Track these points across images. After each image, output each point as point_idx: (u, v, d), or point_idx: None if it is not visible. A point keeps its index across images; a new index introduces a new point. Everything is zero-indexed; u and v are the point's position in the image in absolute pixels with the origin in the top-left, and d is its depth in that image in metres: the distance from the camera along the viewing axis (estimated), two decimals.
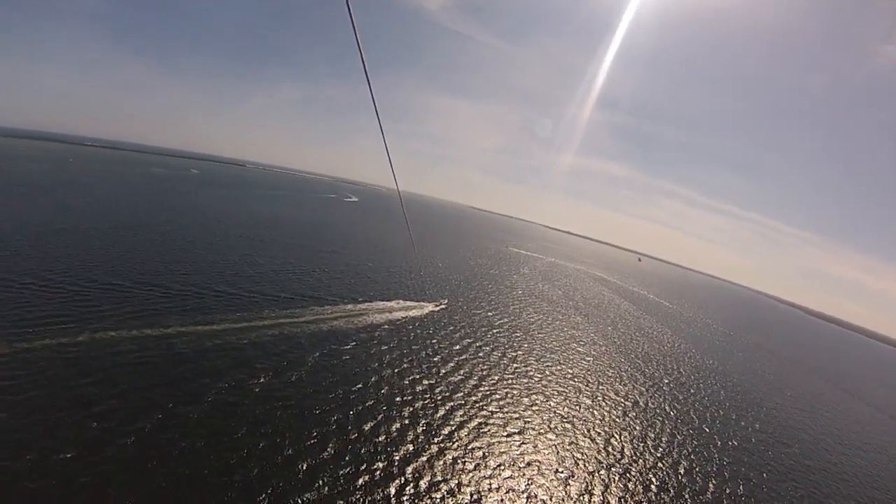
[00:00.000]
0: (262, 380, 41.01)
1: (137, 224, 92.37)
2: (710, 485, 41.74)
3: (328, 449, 33.49)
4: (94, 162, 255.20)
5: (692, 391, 67.58)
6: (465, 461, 35.41)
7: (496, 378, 52.43)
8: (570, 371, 61.47)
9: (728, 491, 41.57)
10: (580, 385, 57.21)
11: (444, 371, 51.26)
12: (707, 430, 53.98)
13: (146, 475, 27.55)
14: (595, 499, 35.18)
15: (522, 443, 40.10)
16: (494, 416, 43.56)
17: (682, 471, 42.58)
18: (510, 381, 52.47)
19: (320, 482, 30.11)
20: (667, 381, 68.58)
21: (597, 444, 43.21)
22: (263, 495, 28.05)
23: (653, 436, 47.84)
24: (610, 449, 42.91)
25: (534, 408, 47.44)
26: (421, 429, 38.54)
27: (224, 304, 57.67)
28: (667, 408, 57.33)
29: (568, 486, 35.76)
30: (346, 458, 32.93)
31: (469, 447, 37.31)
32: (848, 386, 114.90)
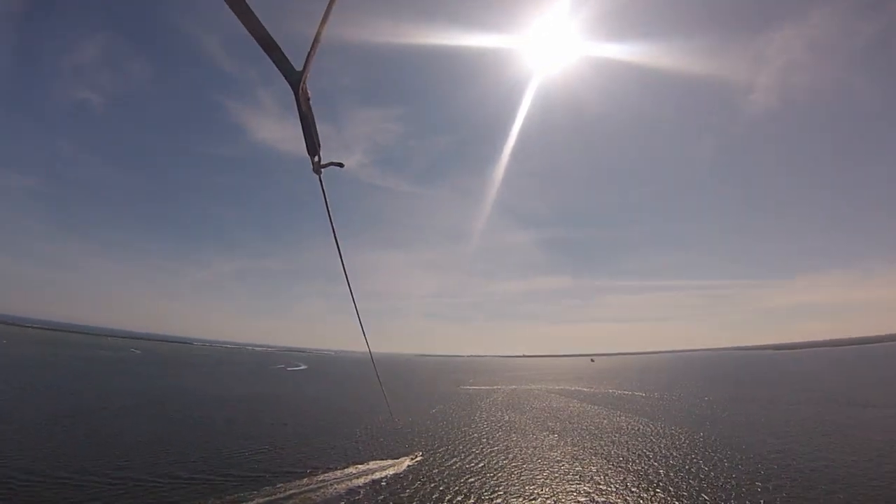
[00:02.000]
0: None
1: (72, 411, 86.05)
2: None
3: None
4: (29, 344, 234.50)
5: (693, 471, 64.51)
6: None
7: None
8: (558, 495, 56.48)
9: None
10: None
11: None
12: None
13: None
14: None
15: None
16: None
17: None
18: None
19: None
20: (662, 471, 65.04)
21: None
22: None
23: None
24: None
25: None
26: None
27: (194, 492, 52.73)
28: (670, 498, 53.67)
29: None
30: None
31: None
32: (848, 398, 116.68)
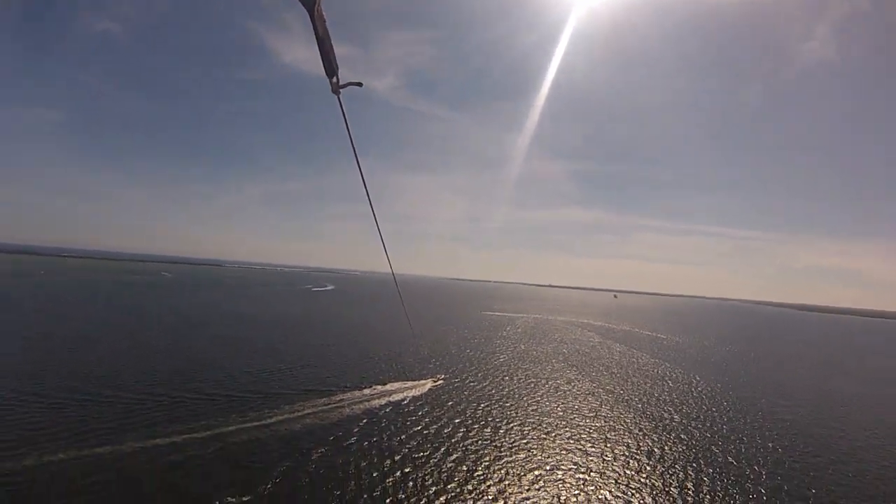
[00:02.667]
0: (266, 483, 38.93)
1: (106, 333, 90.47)
2: None
3: None
4: (65, 272, 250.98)
5: (707, 423, 64.11)
6: None
7: (498, 450, 49.34)
8: (573, 431, 57.45)
9: None
10: (586, 444, 53.27)
11: (444, 449, 48.52)
12: (735, 463, 50.05)
13: None
14: None
15: None
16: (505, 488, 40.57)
17: None
18: (512, 452, 49.19)
19: None
20: (677, 418, 65.08)
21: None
22: None
23: (677, 483, 43.96)
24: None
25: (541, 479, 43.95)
26: None
27: (217, 408, 55.61)
28: (684, 448, 53.10)
29: None
30: None
31: None
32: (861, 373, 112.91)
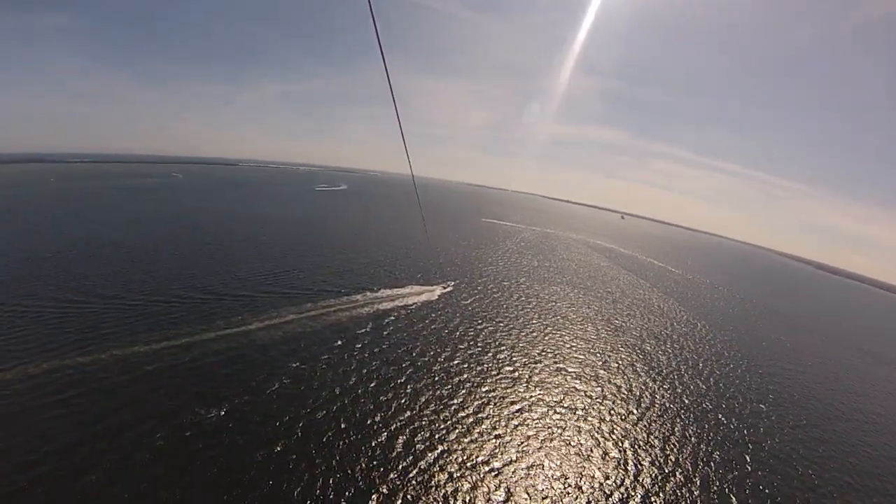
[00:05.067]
0: (284, 378, 42.20)
1: (108, 241, 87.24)
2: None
3: (361, 438, 35.47)
4: (75, 179, 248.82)
5: (704, 373, 60.85)
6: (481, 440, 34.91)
7: (499, 358, 51.27)
8: (560, 361, 57.28)
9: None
10: (572, 382, 54.38)
11: (448, 355, 51.23)
12: (727, 424, 49.06)
13: (168, 483, 29.10)
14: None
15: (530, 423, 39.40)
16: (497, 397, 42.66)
17: (700, 471, 39.97)
18: (505, 375, 50.81)
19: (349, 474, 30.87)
20: (674, 364, 62.33)
21: (600, 430, 41.97)
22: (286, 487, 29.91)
23: (664, 433, 43.96)
24: (615, 439, 41.50)
25: (530, 395, 46.24)
26: (439, 411, 39.33)
27: (237, 307, 57.62)
28: (675, 402, 51.50)
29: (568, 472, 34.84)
30: (385, 445, 35.02)
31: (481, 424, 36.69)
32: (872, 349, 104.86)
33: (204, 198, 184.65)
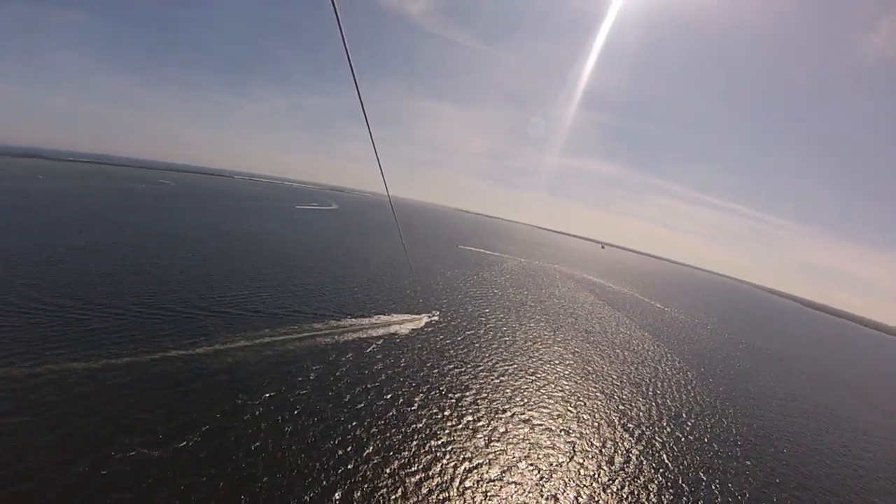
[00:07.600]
0: (261, 400, 40.89)
1: (86, 245, 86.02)
2: None
3: (341, 462, 35.21)
4: (65, 178, 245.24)
5: (686, 428, 57.30)
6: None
7: (488, 386, 49.65)
8: (542, 384, 57.21)
9: None
10: (555, 402, 52.83)
11: (434, 385, 51.63)
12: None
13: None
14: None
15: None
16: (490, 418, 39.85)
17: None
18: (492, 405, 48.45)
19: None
20: (654, 412, 60.10)
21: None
22: None
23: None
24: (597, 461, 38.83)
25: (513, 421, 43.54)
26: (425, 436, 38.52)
27: (213, 325, 55.88)
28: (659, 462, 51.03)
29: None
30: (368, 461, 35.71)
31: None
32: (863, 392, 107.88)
33: (187, 208, 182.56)
